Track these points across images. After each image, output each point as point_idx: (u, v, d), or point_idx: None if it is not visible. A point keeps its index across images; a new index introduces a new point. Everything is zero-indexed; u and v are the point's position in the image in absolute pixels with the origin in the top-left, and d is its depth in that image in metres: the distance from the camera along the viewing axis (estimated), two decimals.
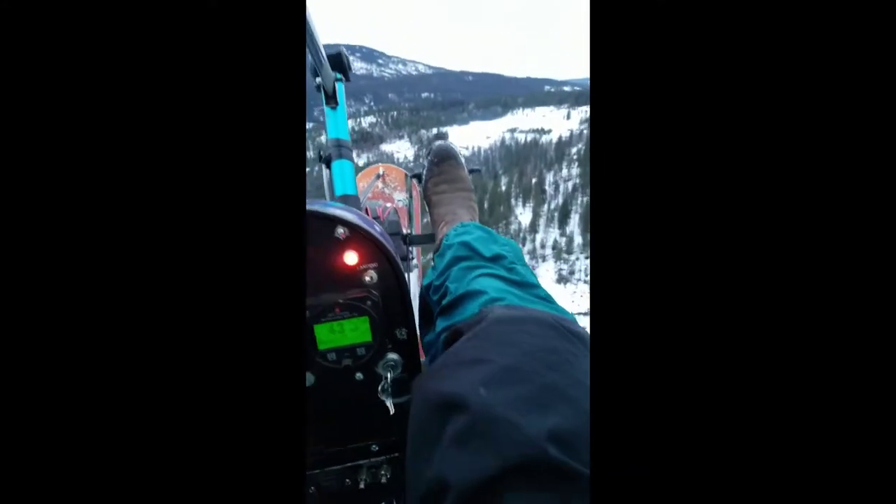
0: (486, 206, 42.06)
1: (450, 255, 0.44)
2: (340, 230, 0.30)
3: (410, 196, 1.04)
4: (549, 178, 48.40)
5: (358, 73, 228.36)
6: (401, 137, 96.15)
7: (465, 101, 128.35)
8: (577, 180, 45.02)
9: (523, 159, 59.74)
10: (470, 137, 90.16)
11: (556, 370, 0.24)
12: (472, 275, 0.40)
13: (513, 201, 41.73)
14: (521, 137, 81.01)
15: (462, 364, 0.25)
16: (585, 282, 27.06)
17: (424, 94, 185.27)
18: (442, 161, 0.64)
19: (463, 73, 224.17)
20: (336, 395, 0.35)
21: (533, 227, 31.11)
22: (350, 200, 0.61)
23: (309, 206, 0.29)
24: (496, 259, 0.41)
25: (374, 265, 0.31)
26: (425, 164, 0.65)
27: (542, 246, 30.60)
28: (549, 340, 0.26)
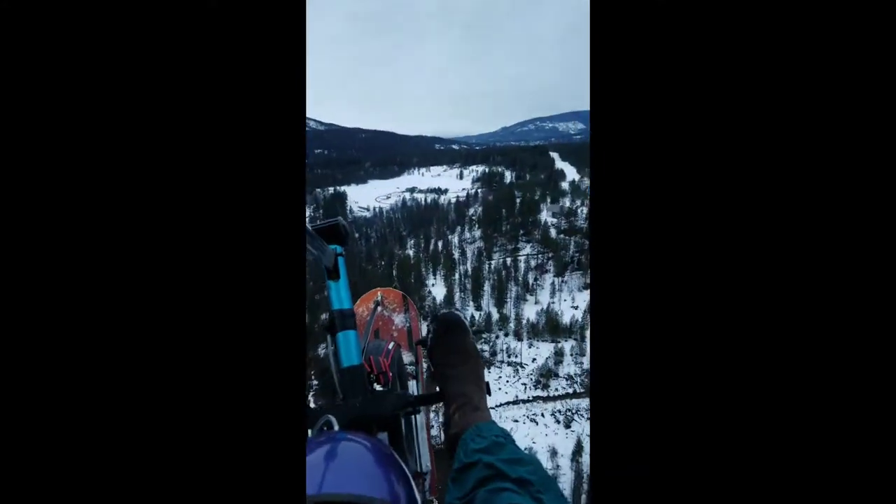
0: (395, 274, 40.48)
1: (474, 476, 0.44)
2: None
3: (408, 313, 1.14)
4: (454, 240, 50.19)
5: None
6: None
7: (362, 160, 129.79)
8: (480, 243, 47.67)
9: (426, 221, 61.43)
10: (369, 197, 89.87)
11: None
12: (499, 500, 0.40)
13: (422, 270, 41.18)
14: (420, 198, 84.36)
15: None
16: (509, 363, 27.02)
17: (318, 151, 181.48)
18: (448, 331, 0.65)
19: (356, 130, 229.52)
20: None
21: (450, 300, 30.51)
22: (356, 371, 0.63)
23: (326, 490, 0.28)
24: (523, 484, 0.41)
25: None
26: (430, 330, 0.67)
27: None
28: None
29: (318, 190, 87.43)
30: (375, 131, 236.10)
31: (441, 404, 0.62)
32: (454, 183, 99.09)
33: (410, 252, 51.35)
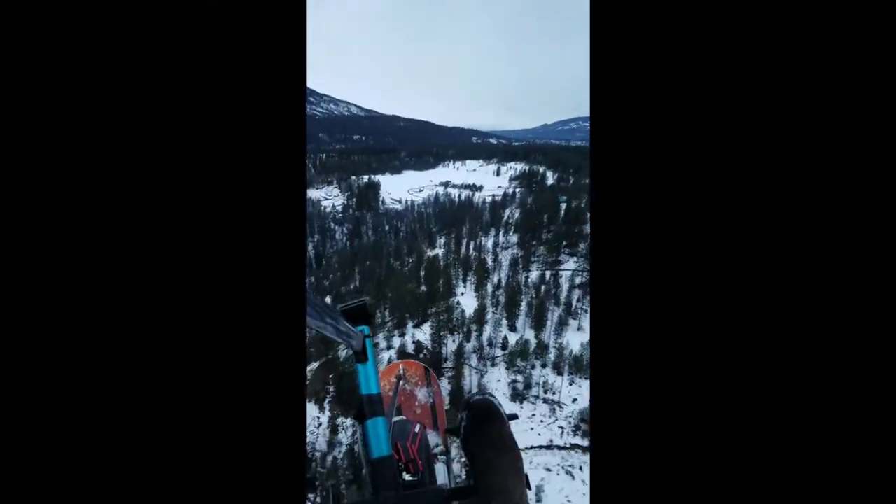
0: (422, 275, 37.95)
1: None
2: None
3: (430, 387, 1.14)
4: (488, 244, 46.77)
5: None
6: (330, 183, 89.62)
7: (398, 149, 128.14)
8: (516, 250, 43.96)
9: (459, 220, 58.33)
10: (403, 188, 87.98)
11: None
12: None
13: (452, 275, 38.18)
14: (454, 193, 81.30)
15: None
16: (545, 400, 23.54)
17: (356, 136, 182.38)
18: (483, 420, 0.63)
19: (394, 118, 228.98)
20: None
21: (481, 317, 27.26)
22: (387, 463, 0.60)
23: None
24: None
25: None
26: (462, 417, 0.63)
27: (491, 344, 26.66)
28: None
29: (354, 178, 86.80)
30: (413, 120, 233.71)
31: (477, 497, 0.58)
32: (490, 180, 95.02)
33: (440, 251, 48.73)
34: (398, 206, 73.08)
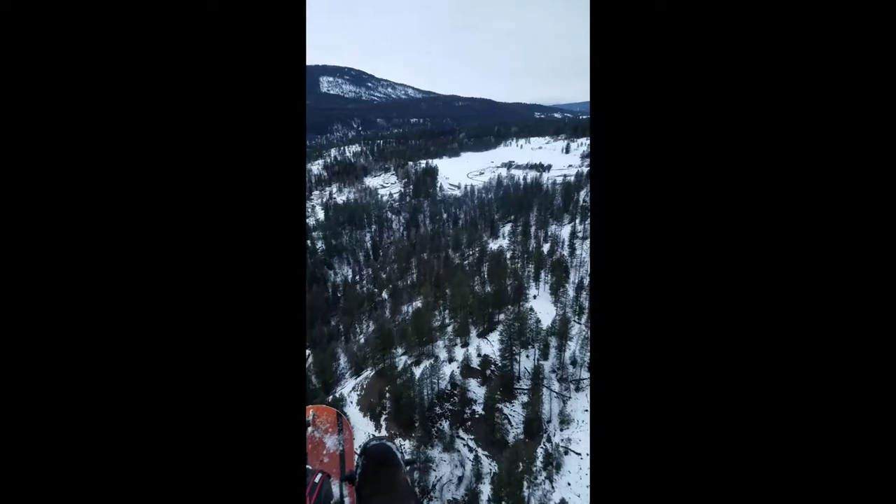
0: (485, 273, 33.44)
1: None
2: None
3: (342, 434, 1.10)
4: (562, 234, 40.20)
5: (346, 96, 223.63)
6: (387, 170, 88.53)
7: (456, 130, 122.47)
8: None
9: (525, 205, 51.99)
10: (461, 171, 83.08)
11: None
12: None
13: (520, 272, 32.81)
14: (518, 175, 74.14)
15: None
16: None
17: (413, 120, 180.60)
18: (379, 466, 0.62)
19: (453, 98, 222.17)
20: None
21: (563, 329, 21.86)
22: None
23: None
24: None
25: None
26: (358, 464, 0.63)
27: (574, 363, 21.16)
28: None
29: (410, 163, 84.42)
30: (472, 98, 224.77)
31: None
32: (559, 158, 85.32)
33: (504, 243, 43.52)
34: (457, 192, 68.56)
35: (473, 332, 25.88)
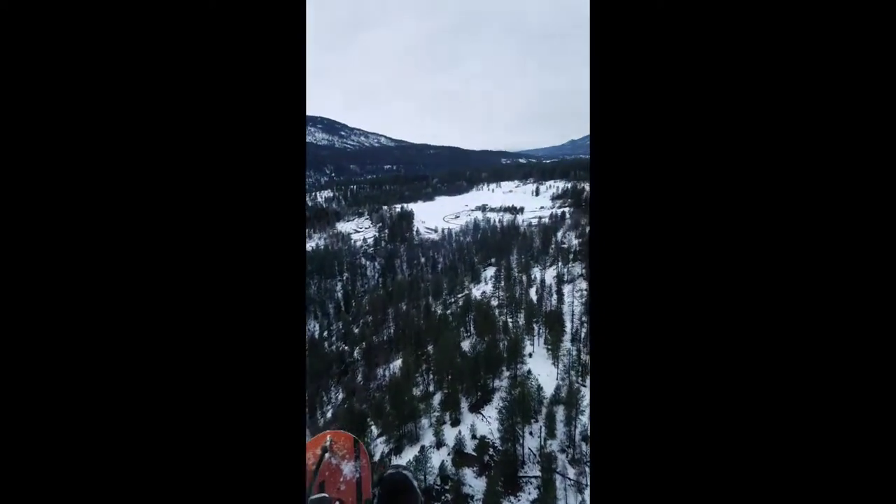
0: (469, 322, 29.99)
1: None
2: None
3: (358, 461, 1.11)
4: (547, 278, 38.09)
5: (319, 143, 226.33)
6: (360, 214, 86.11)
7: (429, 176, 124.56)
8: (584, 284, 35.00)
9: (505, 249, 50.38)
10: (437, 215, 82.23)
11: None
12: None
13: (509, 324, 29.60)
14: (493, 217, 74.00)
15: None
16: None
17: (387, 166, 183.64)
18: (396, 495, 0.65)
19: (424, 147, 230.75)
20: None
21: (570, 398, 18.34)
22: None
23: None
24: None
25: None
26: (374, 494, 0.66)
27: (587, 440, 17.29)
28: None
29: (385, 207, 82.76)
30: (442, 147, 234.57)
31: None
32: (530, 200, 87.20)
33: (487, 288, 40.78)
34: (433, 236, 66.62)
35: (464, 405, 21.81)
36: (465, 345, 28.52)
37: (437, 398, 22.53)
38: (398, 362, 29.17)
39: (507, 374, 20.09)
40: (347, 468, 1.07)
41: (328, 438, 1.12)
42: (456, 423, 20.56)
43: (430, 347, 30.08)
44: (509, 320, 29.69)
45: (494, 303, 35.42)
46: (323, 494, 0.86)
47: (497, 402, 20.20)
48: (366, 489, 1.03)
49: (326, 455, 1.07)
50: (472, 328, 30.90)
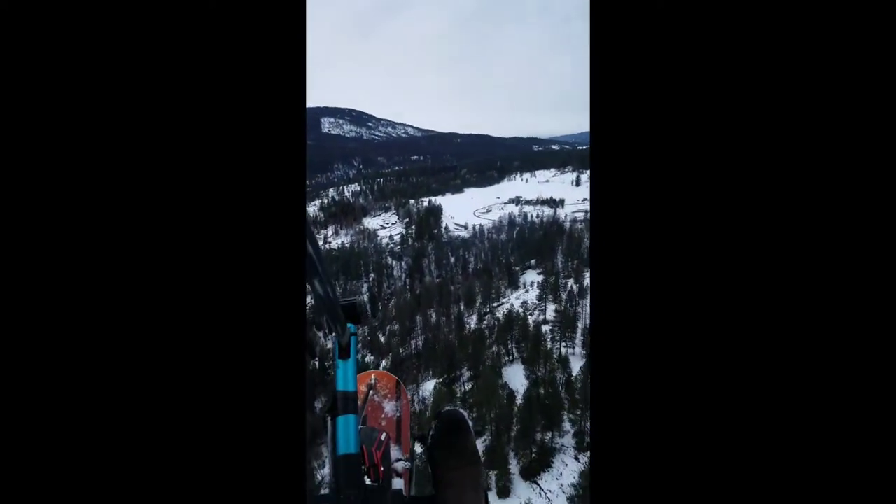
0: (515, 354, 25.18)
1: None
2: None
3: (399, 401, 1.19)
4: None
5: (347, 136, 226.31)
6: (387, 209, 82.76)
7: (457, 166, 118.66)
8: None
9: (547, 249, 44.47)
10: (466, 209, 76.94)
11: None
12: None
13: (561, 345, 24.30)
14: (530, 212, 67.65)
15: None
16: None
17: (414, 157, 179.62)
18: (451, 431, 0.69)
19: (452, 135, 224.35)
20: None
21: None
22: (353, 461, 0.64)
23: None
24: None
25: None
26: (431, 427, 0.70)
27: None
28: None
29: (412, 201, 78.84)
30: (471, 135, 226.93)
31: None
32: (570, 191, 79.51)
33: (529, 297, 35.59)
34: (464, 233, 61.50)
35: (514, 466, 17.00)
36: (507, 373, 23.74)
37: (483, 455, 17.90)
38: (428, 385, 25.04)
39: (571, 428, 14.96)
40: (389, 406, 1.16)
41: (373, 377, 1.19)
42: (504, 493, 15.84)
43: (464, 370, 25.77)
44: (567, 349, 24.17)
45: (538, 316, 30.28)
46: (370, 428, 0.87)
47: (560, 466, 15.21)
48: (405, 428, 1.08)
49: (370, 392, 1.12)
50: (513, 350, 26.15)
